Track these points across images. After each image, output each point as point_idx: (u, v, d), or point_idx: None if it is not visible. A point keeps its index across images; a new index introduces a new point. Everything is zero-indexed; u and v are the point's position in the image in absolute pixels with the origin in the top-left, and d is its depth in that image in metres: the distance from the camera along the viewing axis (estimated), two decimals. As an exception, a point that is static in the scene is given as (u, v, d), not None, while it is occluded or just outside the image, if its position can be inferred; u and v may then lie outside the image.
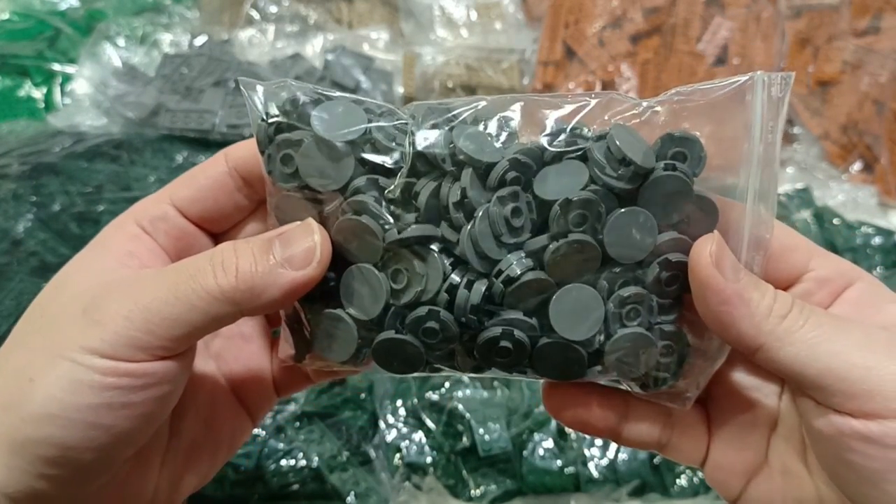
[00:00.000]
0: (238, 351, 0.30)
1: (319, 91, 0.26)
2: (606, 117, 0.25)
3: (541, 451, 0.46)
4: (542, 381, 0.28)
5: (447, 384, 0.48)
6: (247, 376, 0.30)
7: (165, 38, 0.75)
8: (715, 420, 0.27)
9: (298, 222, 0.24)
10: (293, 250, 0.23)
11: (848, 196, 0.63)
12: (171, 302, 0.22)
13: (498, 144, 0.25)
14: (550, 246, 0.24)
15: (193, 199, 0.27)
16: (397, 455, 0.46)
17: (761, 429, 0.27)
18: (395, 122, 0.26)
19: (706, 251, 0.23)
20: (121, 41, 0.73)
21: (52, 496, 0.23)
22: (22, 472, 0.22)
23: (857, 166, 0.68)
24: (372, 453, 0.47)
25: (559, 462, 0.45)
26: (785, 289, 0.26)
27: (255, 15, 0.77)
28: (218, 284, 0.22)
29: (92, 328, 0.22)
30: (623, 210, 0.24)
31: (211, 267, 0.23)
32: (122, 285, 0.23)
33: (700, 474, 0.46)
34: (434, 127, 0.25)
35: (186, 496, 0.28)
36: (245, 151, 0.27)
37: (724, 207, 0.25)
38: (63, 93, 0.70)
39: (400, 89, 0.71)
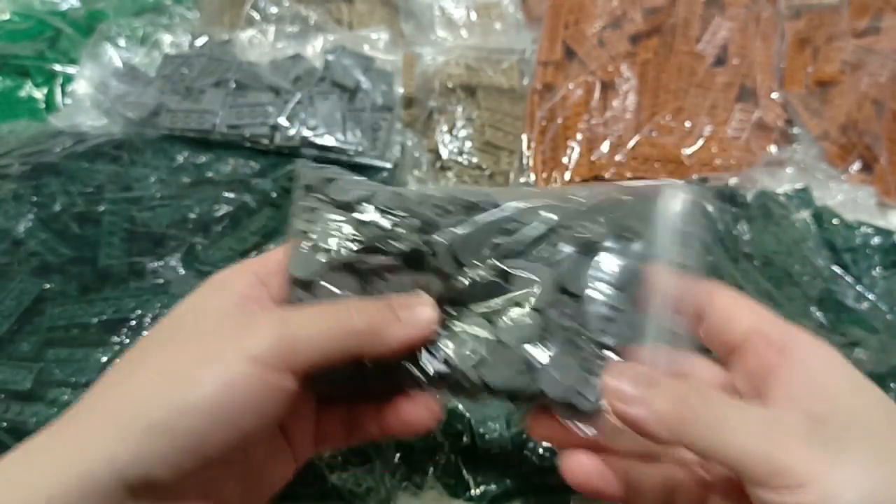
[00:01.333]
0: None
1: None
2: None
3: (541, 450, 0.46)
4: None
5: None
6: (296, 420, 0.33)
7: (166, 39, 0.75)
8: None
9: (415, 294, 0.30)
10: (412, 312, 0.29)
11: (847, 196, 0.63)
12: (314, 327, 0.27)
13: None
14: None
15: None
16: (397, 455, 0.46)
17: None
18: None
19: (608, 388, 0.27)
20: (121, 41, 0.73)
21: (167, 488, 0.25)
22: (150, 457, 0.25)
23: (856, 166, 0.68)
24: (372, 453, 0.47)
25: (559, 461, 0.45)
26: (732, 351, 0.29)
27: (256, 15, 0.77)
28: (353, 323, 0.27)
29: (246, 336, 0.26)
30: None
31: (346, 309, 0.28)
32: (271, 313, 0.29)
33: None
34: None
35: None
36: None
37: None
38: (64, 93, 0.70)
39: (400, 89, 0.72)
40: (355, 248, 0.29)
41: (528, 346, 0.28)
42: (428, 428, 0.31)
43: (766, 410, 0.26)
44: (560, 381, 0.28)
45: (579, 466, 0.31)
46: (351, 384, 0.30)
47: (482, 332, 0.29)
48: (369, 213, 0.30)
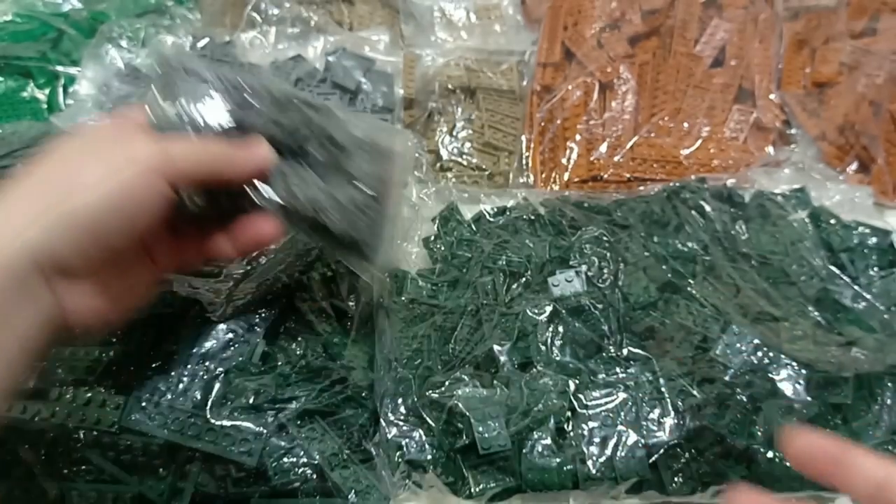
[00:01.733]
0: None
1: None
2: None
3: (539, 449, 0.46)
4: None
5: (447, 383, 0.48)
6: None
7: (168, 40, 0.75)
8: None
9: (255, 138, 0.39)
10: (254, 148, 0.39)
11: (844, 196, 0.63)
12: (185, 148, 0.36)
13: None
14: None
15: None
16: (398, 452, 0.46)
17: None
18: None
19: None
20: (123, 42, 0.74)
21: (72, 273, 0.32)
22: (61, 242, 0.31)
23: (853, 167, 0.68)
24: (373, 451, 0.47)
25: (558, 459, 0.46)
26: None
27: (257, 17, 0.77)
28: (212, 149, 0.37)
29: (137, 148, 0.34)
30: None
31: (207, 140, 0.38)
32: (148, 134, 0.36)
33: (699, 471, 0.46)
34: None
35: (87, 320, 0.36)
36: None
37: None
38: (66, 94, 0.71)
39: (400, 91, 0.72)
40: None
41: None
42: (274, 239, 0.40)
43: None
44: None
45: None
46: (208, 209, 0.38)
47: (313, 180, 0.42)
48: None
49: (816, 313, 0.54)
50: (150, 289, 0.40)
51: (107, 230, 0.32)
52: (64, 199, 0.31)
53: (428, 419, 0.47)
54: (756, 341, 0.49)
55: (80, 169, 0.32)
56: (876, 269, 0.58)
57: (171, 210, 0.35)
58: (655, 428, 0.46)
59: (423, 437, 0.47)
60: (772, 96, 0.72)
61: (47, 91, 0.71)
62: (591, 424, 0.47)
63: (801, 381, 0.47)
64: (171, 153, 0.34)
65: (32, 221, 0.31)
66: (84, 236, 0.31)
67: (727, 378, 0.48)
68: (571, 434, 0.47)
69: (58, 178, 0.32)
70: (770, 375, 0.48)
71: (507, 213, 0.62)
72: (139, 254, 0.38)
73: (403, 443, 0.47)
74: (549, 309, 0.51)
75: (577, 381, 0.48)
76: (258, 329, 0.49)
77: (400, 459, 0.46)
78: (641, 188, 0.66)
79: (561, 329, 0.51)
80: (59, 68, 0.72)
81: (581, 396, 0.48)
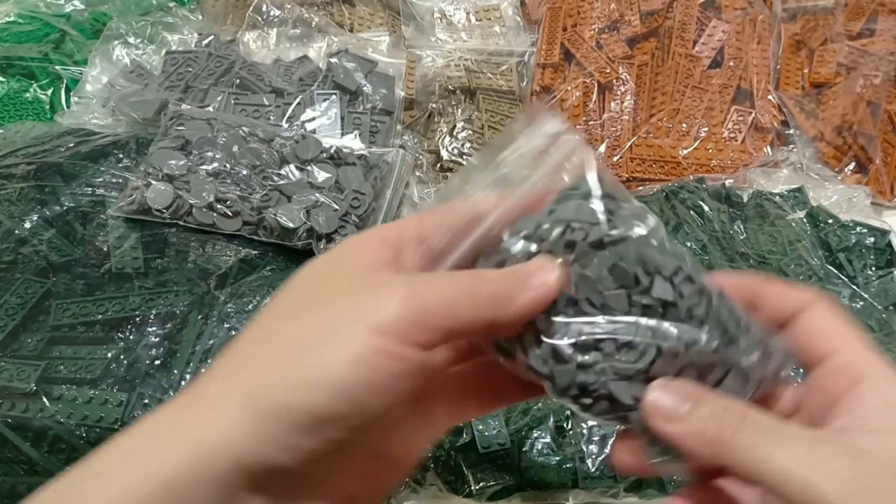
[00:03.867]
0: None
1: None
2: None
3: (539, 447, 0.46)
4: None
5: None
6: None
7: (174, 39, 0.75)
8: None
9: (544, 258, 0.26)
10: (539, 275, 0.26)
11: (842, 196, 0.63)
12: (446, 294, 0.25)
13: None
14: None
15: (425, 233, 0.28)
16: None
17: None
18: None
19: (648, 403, 0.25)
20: (131, 39, 0.74)
21: (289, 472, 0.24)
22: (270, 441, 0.23)
23: (851, 167, 0.68)
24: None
25: (557, 458, 0.46)
26: (811, 367, 0.27)
27: (258, 19, 0.77)
28: (484, 288, 0.25)
29: (374, 306, 0.24)
30: None
31: (475, 276, 0.26)
32: (399, 277, 0.26)
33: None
34: None
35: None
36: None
37: None
38: (69, 95, 0.71)
39: (401, 92, 0.72)
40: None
41: None
42: None
43: (812, 434, 0.24)
44: None
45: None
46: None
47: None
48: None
49: (814, 312, 0.54)
50: (419, 457, 0.30)
51: (327, 420, 0.23)
52: (277, 386, 0.23)
53: (428, 417, 0.47)
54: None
55: (297, 342, 0.24)
56: (873, 268, 0.58)
57: (423, 379, 0.25)
58: (654, 426, 0.47)
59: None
60: (770, 97, 0.72)
61: (50, 92, 0.72)
62: (591, 423, 0.47)
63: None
64: (425, 304, 0.24)
65: (237, 415, 0.23)
66: (297, 432, 0.23)
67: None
68: (571, 432, 0.47)
69: (272, 353, 0.24)
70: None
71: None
72: (404, 421, 0.28)
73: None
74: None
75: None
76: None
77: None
78: (640, 188, 0.66)
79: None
80: (62, 69, 0.73)
81: (580, 395, 0.48)
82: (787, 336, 0.28)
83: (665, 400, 0.25)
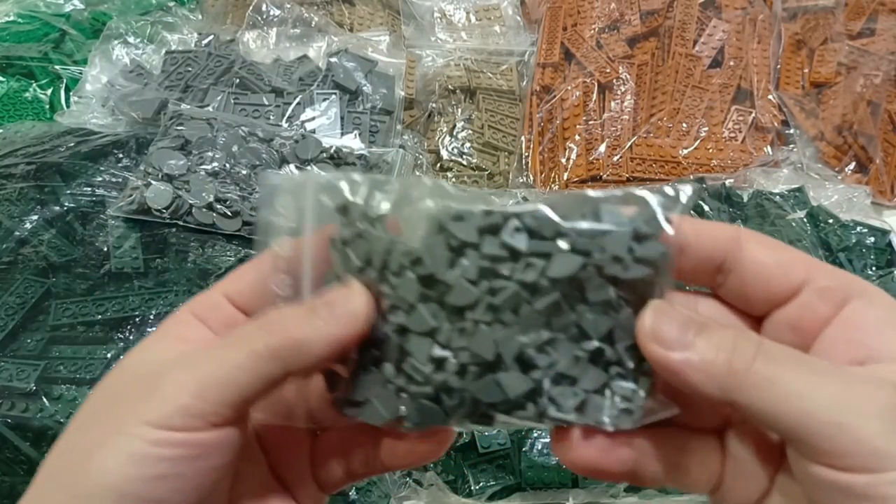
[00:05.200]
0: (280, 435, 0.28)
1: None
2: None
3: (539, 447, 0.46)
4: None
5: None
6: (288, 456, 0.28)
7: (173, 38, 0.75)
8: (730, 448, 0.25)
9: (342, 286, 0.24)
10: (338, 310, 0.23)
11: (842, 196, 0.63)
12: (221, 366, 0.23)
13: None
14: None
15: (241, 291, 0.27)
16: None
17: (770, 461, 0.24)
18: None
19: (645, 329, 0.21)
20: (130, 39, 0.74)
21: None
22: None
23: (851, 167, 0.68)
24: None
25: (557, 458, 0.46)
26: (785, 303, 0.23)
27: (258, 18, 0.77)
28: (265, 343, 0.23)
29: (148, 401, 0.23)
30: None
31: (258, 328, 0.23)
32: (178, 360, 0.24)
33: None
34: None
35: None
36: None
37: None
38: (68, 95, 0.71)
39: (401, 92, 0.72)
40: None
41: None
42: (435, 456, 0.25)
43: (840, 369, 0.21)
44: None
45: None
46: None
47: None
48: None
49: (814, 312, 0.54)
50: None
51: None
52: (62, 493, 0.23)
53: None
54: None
55: (81, 446, 0.23)
56: (874, 268, 0.58)
57: (233, 451, 0.23)
58: (654, 426, 0.47)
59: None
60: (770, 97, 0.72)
61: (49, 91, 0.72)
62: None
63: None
64: (203, 385, 0.23)
65: None
66: None
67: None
68: (571, 432, 0.47)
69: (52, 473, 0.24)
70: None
71: (507, 212, 0.63)
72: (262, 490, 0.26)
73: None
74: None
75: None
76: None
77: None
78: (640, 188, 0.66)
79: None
80: (62, 68, 0.73)
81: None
82: (729, 282, 0.23)
83: (666, 326, 0.21)
